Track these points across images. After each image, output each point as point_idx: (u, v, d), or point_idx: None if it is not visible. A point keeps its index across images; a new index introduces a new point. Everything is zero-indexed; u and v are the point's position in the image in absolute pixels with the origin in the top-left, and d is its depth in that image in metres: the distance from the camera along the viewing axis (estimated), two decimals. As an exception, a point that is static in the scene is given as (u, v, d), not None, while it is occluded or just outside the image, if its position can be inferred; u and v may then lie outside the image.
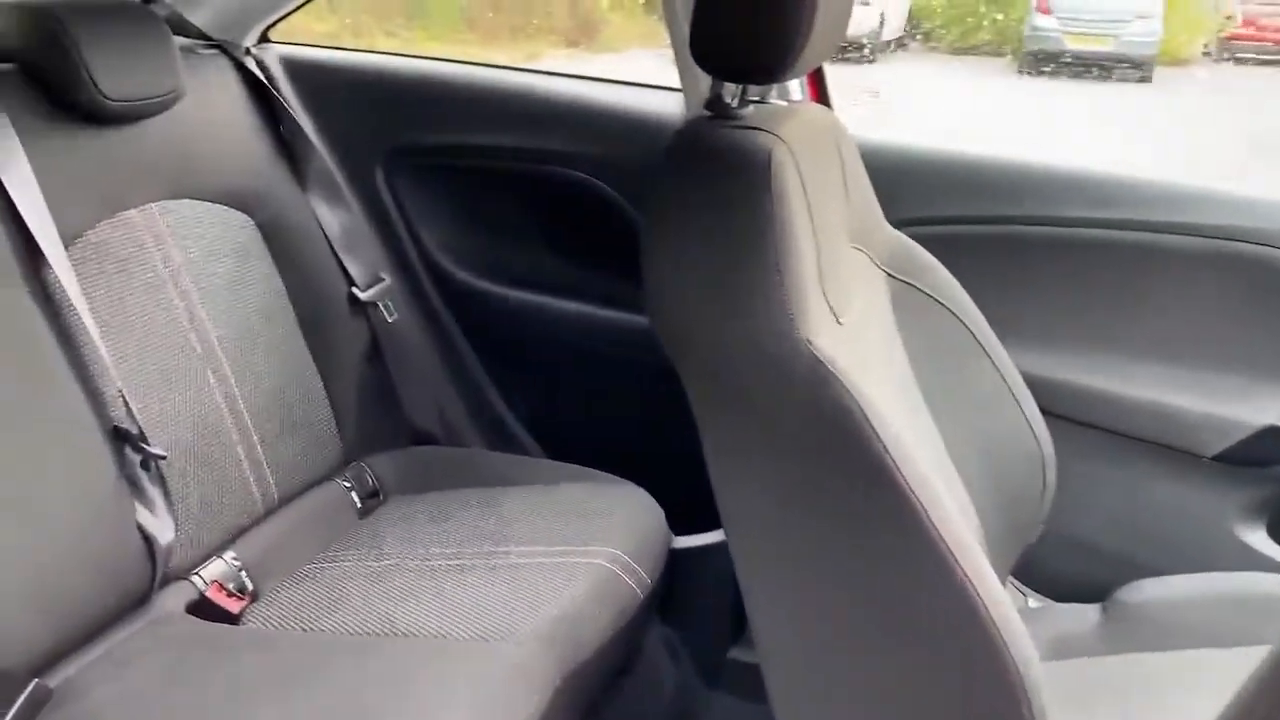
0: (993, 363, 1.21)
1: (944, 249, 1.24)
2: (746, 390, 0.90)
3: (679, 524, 1.53)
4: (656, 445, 1.51)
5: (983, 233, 1.51)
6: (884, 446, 0.84)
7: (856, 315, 1.04)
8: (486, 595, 1.27)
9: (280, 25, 1.74)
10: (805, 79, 1.58)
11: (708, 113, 0.99)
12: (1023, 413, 1.22)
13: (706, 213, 0.91)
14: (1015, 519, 1.23)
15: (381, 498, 1.60)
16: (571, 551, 1.35)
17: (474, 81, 1.70)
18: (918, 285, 1.20)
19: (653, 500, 1.51)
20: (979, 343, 1.21)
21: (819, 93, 1.60)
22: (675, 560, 1.49)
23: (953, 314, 1.21)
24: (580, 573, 1.31)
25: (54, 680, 1.12)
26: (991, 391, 1.21)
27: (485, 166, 1.71)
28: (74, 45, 1.25)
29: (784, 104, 1.14)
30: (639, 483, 1.53)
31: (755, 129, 0.94)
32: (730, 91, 0.99)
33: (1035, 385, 1.24)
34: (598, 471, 1.55)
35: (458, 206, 1.76)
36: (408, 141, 1.72)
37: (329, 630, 1.26)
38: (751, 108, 1.00)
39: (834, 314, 0.97)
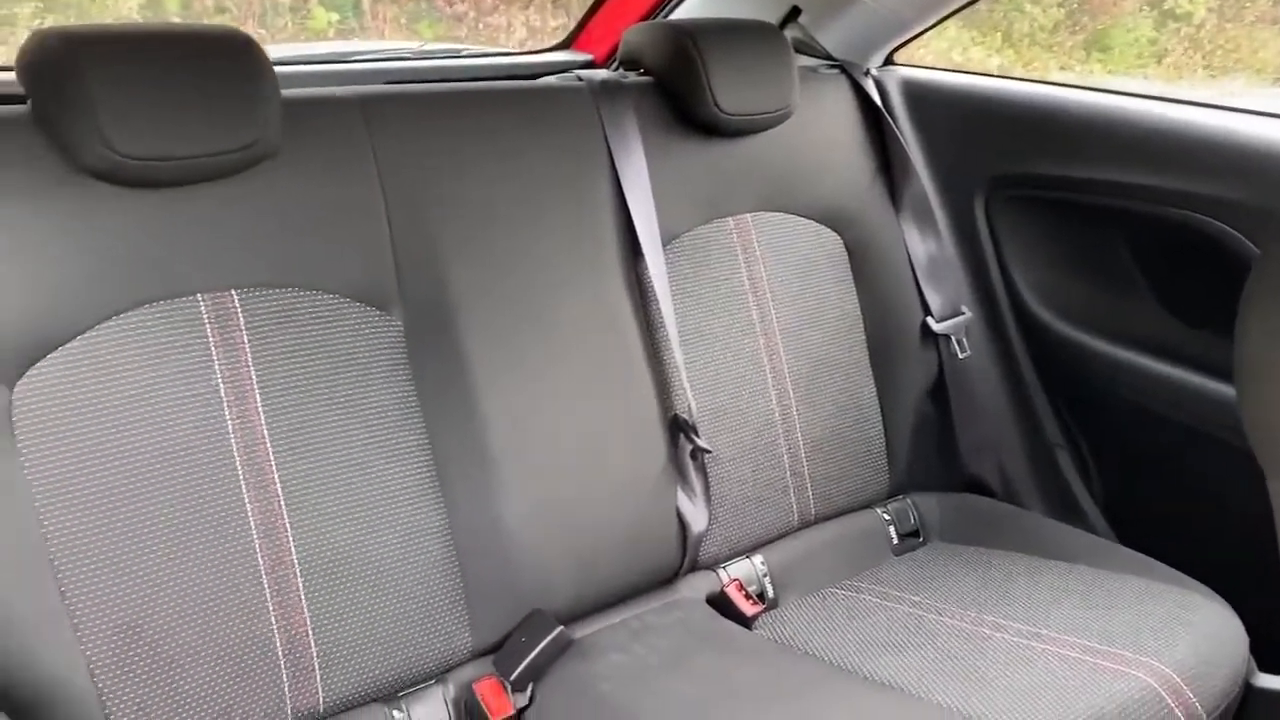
0: None
1: None
2: None
3: (1268, 657, 1.25)
4: (1254, 556, 1.24)
5: None
6: None
7: None
8: (996, 677, 1.15)
9: (920, 52, 1.73)
10: None
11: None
12: None
13: None
14: None
15: (921, 538, 1.55)
16: (1116, 656, 1.17)
17: (1095, 109, 1.52)
18: None
19: (1236, 619, 1.25)
20: None
21: None
22: (1252, 700, 1.22)
23: None
24: (1119, 685, 1.12)
25: (577, 633, 1.23)
26: None
27: (1098, 204, 1.53)
28: (700, 61, 1.35)
29: None
30: (1226, 596, 1.28)
31: None
32: None
33: None
34: (1174, 571, 1.33)
35: (1058, 245, 1.61)
36: (1013, 170, 1.60)
37: (830, 660, 1.24)
38: None
39: None
